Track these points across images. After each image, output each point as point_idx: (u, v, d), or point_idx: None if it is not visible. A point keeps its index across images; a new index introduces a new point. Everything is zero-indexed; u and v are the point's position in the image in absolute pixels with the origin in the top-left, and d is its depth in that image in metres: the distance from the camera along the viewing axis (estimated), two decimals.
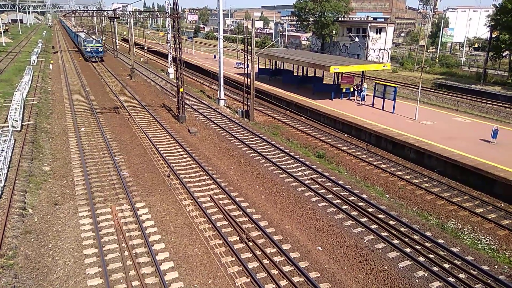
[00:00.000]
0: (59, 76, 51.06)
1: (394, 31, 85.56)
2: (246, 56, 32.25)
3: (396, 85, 34.85)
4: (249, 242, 14.86)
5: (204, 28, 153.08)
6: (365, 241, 15.10)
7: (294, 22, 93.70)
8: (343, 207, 17.68)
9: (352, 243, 15.01)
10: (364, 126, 27.11)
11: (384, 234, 15.62)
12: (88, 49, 62.19)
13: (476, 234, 16.20)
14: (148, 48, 71.54)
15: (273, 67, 46.68)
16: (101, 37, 79.92)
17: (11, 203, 16.86)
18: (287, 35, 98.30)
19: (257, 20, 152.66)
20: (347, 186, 19.70)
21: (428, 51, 74.96)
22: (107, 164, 22.10)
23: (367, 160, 23.71)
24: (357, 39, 66.78)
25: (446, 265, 13.85)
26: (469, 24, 76.48)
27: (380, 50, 64.28)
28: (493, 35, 47.42)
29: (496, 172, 19.24)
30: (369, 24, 67.76)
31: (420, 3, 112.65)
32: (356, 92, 36.03)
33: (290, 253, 14.43)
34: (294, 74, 44.78)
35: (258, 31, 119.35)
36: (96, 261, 13.70)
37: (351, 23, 72.82)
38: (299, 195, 18.76)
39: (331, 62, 35.68)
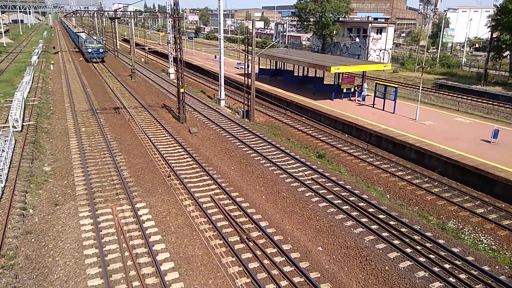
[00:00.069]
0: (60, 76, 51.12)
1: (395, 31, 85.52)
2: (246, 56, 32.25)
3: (396, 86, 34.87)
4: (250, 243, 14.86)
5: (204, 28, 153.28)
6: (365, 242, 15.08)
7: (294, 23, 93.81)
8: (344, 207, 17.67)
9: (352, 243, 15.00)
10: (364, 127, 27.10)
11: (385, 234, 15.61)
12: (89, 50, 61.99)
13: (476, 234, 16.19)
14: (148, 48, 71.66)
15: (274, 68, 46.70)
16: (102, 37, 79.95)
17: (12, 203, 16.87)
18: (288, 35, 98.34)
19: (257, 20, 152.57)
20: (347, 187, 19.69)
21: (429, 51, 74.95)
22: (107, 165, 22.11)
23: (367, 160, 23.70)
24: (357, 40, 66.80)
25: (447, 266, 13.84)
26: (469, 24, 76.41)
27: (380, 50, 64.33)
28: (494, 36, 47.37)
29: (496, 172, 19.23)
30: (370, 25, 67.79)
31: (421, 3, 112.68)
32: (356, 93, 36.01)
33: (291, 253, 14.42)
34: (295, 74, 44.78)
35: (259, 31, 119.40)
36: (97, 261, 13.70)
37: (351, 23, 72.85)
38: (299, 196, 18.75)
39: (332, 63, 35.69)
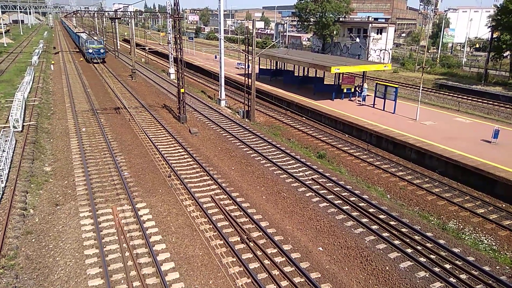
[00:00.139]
0: (60, 76, 51.13)
1: (395, 31, 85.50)
2: (247, 56, 32.25)
3: (397, 86, 34.87)
4: (250, 243, 14.86)
5: (205, 28, 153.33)
6: (366, 242, 15.08)
7: (295, 23, 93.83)
8: (344, 207, 17.67)
9: (353, 243, 15.00)
10: (365, 127, 27.10)
11: (385, 234, 15.61)
12: (90, 50, 61.65)
13: (477, 234, 16.18)
14: (149, 48, 71.64)
15: (274, 68, 46.71)
16: (102, 37, 79.93)
17: (12, 203, 16.88)
18: (288, 35, 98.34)
19: (258, 20, 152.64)
20: (348, 187, 19.69)
21: (429, 51, 74.93)
22: (108, 165, 22.11)
23: (368, 160, 23.70)
24: (358, 40, 66.76)
25: (447, 266, 13.83)
26: (470, 24, 76.42)
27: (381, 50, 64.30)
28: (494, 36, 47.39)
29: (497, 172, 19.23)
30: (370, 25, 67.75)
31: (421, 3, 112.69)
32: (357, 93, 36.02)
33: (291, 253, 14.41)
34: (295, 74, 44.78)
35: (259, 31, 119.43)
36: (97, 261, 13.71)
37: (352, 23, 72.82)
38: (300, 196, 18.75)
39: (332, 63, 35.69)
